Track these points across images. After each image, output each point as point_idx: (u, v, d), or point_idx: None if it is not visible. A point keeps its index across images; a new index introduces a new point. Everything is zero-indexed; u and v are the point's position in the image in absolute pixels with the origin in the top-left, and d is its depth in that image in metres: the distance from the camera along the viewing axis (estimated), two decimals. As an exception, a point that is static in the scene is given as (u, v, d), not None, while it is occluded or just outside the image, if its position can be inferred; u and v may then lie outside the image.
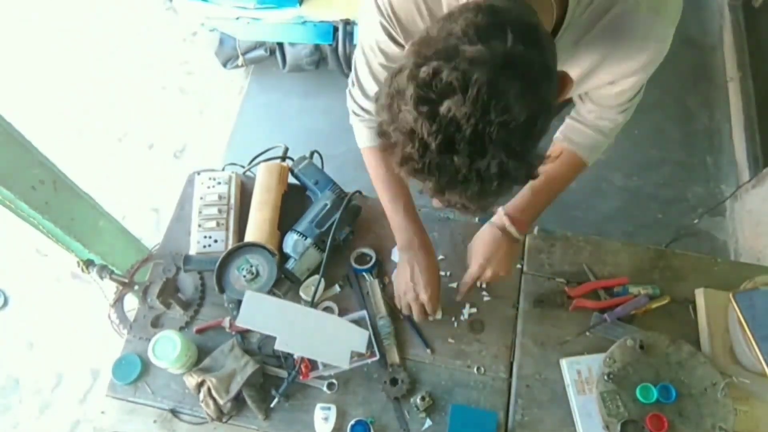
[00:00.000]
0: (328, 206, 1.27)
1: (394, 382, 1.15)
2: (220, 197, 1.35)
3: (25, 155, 1.30)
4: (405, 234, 1.16)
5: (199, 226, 1.30)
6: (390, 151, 0.61)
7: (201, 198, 1.35)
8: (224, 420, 1.13)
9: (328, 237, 1.23)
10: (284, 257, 1.27)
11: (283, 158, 1.43)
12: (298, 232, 1.25)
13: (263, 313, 1.12)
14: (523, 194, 1.11)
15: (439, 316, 1.22)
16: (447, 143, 0.56)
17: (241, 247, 1.23)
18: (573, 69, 0.85)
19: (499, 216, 1.12)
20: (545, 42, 0.62)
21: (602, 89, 0.95)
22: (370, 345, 1.19)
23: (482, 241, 1.14)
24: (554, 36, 0.76)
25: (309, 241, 1.23)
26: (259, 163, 1.40)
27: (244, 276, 1.20)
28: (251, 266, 1.21)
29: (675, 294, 1.22)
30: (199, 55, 2.87)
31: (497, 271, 1.12)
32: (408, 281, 1.16)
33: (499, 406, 1.14)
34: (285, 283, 1.23)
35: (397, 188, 1.15)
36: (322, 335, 1.14)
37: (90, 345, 2.12)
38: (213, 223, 1.31)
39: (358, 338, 1.15)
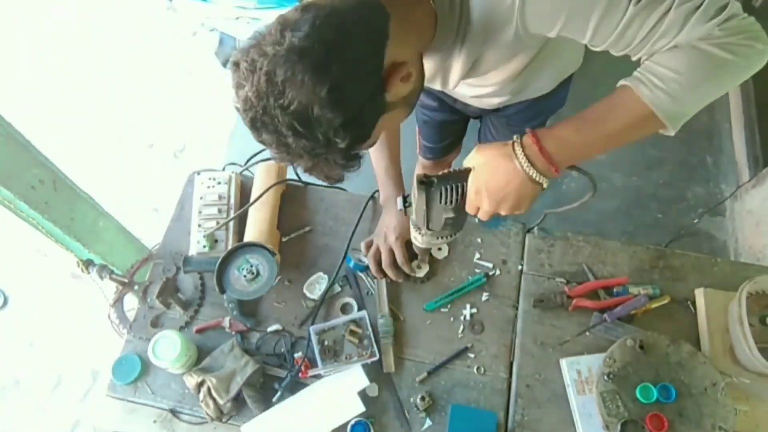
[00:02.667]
0: None
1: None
2: (220, 197, 1.35)
3: (24, 155, 1.30)
4: (385, 190, 1.27)
5: (199, 225, 1.30)
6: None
7: (201, 198, 1.34)
8: (224, 420, 1.13)
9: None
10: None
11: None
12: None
13: (269, 429, 1.12)
14: (561, 124, 0.78)
15: (420, 273, 1.26)
16: (251, 121, 0.70)
17: (241, 247, 1.23)
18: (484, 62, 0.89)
19: (521, 139, 0.78)
20: (354, 35, 0.67)
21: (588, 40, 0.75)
22: (369, 345, 1.19)
23: (485, 165, 0.80)
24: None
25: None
26: (257, 162, 1.40)
27: (245, 276, 1.20)
28: (251, 266, 1.21)
29: (675, 294, 1.22)
30: (199, 55, 2.87)
31: (496, 209, 0.83)
32: (381, 228, 1.26)
33: (498, 406, 1.14)
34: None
35: (382, 149, 1.24)
36: (328, 401, 1.14)
37: (90, 345, 2.12)
38: (213, 223, 1.31)
39: (357, 377, 1.15)
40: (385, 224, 1.27)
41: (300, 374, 1.16)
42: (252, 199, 1.32)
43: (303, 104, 0.65)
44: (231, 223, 1.33)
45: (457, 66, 0.91)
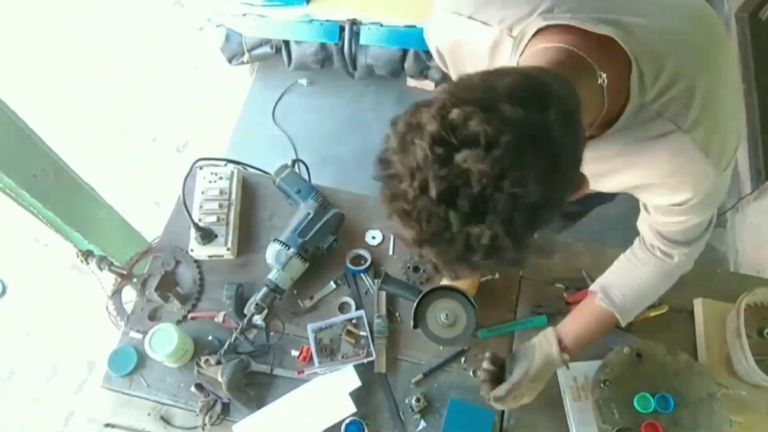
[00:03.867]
0: (311, 215, 1.25)
1: (416, 269, 1.23)
2: (221, 192, 1.35)
3: (28, 144, 1.30)
4: None
5: (200, 220, 1.30)
6: (384, 182, 0.56)
7: (202, 192, 1.34)
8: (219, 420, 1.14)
9: (311, 246, 1.23)
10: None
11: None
12: (281, 241, 1.22)
13: (260, 429, 1.12)
14: (574, 320, 1.05)
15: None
16: (449, 194, 0.51)
17: (443, 289, 1.18)
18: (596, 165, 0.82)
19: (553, 337, 1.03)
20: (581, 132, 0.60)
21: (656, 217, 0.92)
22: (366, 345, 1.19)
23: (533, 361, 1.03)
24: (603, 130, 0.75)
25: (292, 251, 1.21)
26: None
27: (444, 319, 1.15)
28: (450, 310, 1.15)
29: (673, 303, 1.22)
30: (205, 51, 2.87)
31: (534, 392, 1.04)
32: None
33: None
34: (270, 295, 1.19)
35: None
36: (319, 401, 1.14)
37: (87, 336, 2.12)
38: (213, 218, 1.31)
39: (348, 378, 1.15)
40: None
41: (297, 373, 1.16)
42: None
43: (536, 200, 0.54)
44: (231, 219, 1.32)
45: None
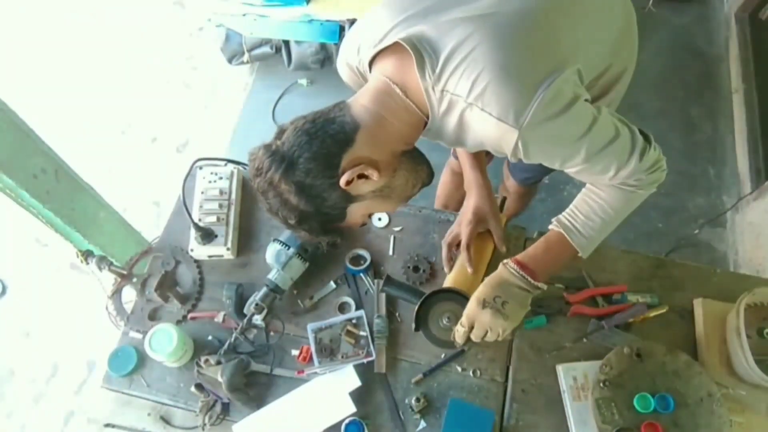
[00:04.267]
0: None
1: (416, 269, 1.23)
2: (221, 192, 1.35)
3: (28, 144, 1.30)
4: (467, 175, 1.30)
5: (200, 220, 1.30)
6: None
7: (202, 192, 1.34)
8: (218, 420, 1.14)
9: (310, 246, 1.23)
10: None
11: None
12: (281, 241, 1.23)
13: (260, 429, 1.12)
14: (536, 245, 1.05)
15: (470, 268, 1.20)
16: (268, 207, 0.90)
17: (446, 291, 1.16)
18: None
19: (506, 264, 1.04)
20: (314, 144, 0.84)
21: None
22: (366, 345, 1.19)
23: (487, 283, 1.04)
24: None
25: (292, 251, 1.21)
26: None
27: (445, 321, 1.13)
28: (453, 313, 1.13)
29: (673, 303, 1.22)
30: (205, 51, 2.87)
31: (497, 326, 1.01)
32: (462, 211, 1.28)
33: (494, 410, 1.14)
34: (270, 295, 1.19)
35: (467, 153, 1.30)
36: (319, 401, 1.14)
37: (86, 336, 2.12)
38: (213, 218, 1.31)
39: (348, 378, 1.15)
40: (465, 207, 1.28)
41: (297, 373, 1.16)
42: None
43: (265, 188, 0.86)
44: (231, 219, 1.32)
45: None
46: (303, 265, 1.24)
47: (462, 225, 1.25)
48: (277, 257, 1.22)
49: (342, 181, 0.85)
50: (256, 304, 1.18)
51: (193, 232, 1.28)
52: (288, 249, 1.21)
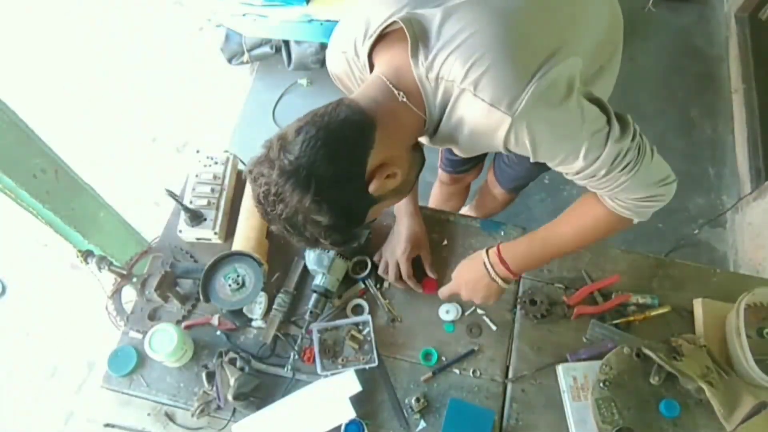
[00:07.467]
0: None
1: (533, 302, 1.22)
2: (215, 177, 1.34)
3: (27, 144, 1.30)
4: (396, 206, 1.29)
5: (191, 202, 1.30)
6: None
7: (196, 176, 1.34)
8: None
9: None
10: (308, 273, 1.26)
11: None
12: None
13: (260, 429, 1.12)
14: (520, 240, 1.06)
15: (419, 290, 1.26)
16: (262, 215, 0.82)
17: (229, 256, 1.20)
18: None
19: (489, 250, 1.07)
20: (337, 152, 0.78)
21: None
22: (369, 351, 1.19)
23: (465, 265, 1.11)
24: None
25: (332, 252, 1.21)
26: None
27: (230, 285, 1.17)
28: (238, 276, 1.17)
29: (673, 303, 1.22)
30: (205, 51, 2.87)
31: (471, 298, 1.10)
32: (391, 242, 1.27)
33: (493, 410, 1.14)
34: (321, 300, 1.20)
35: None
36: (319, 404, 1.14)
37: (86, 336, 2.12)
38: (204, 201, 1.31)
39: (348, 382, 1.15)
40: (395, 237, 1.27)
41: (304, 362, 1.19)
42: (242, 206, 1.32)
43: (290, 214, 0.78)
44: (222, 204, 1.33)
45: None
46: (345, 264, 1.24)
47: (398, 256, 1.24)
48: (319, 262, 1.21)
49: (372, 188, 0.81)
50: (311, 312, 1.19)
51: (182, 214, 1.28)
52: (327, 252, 1.21)
